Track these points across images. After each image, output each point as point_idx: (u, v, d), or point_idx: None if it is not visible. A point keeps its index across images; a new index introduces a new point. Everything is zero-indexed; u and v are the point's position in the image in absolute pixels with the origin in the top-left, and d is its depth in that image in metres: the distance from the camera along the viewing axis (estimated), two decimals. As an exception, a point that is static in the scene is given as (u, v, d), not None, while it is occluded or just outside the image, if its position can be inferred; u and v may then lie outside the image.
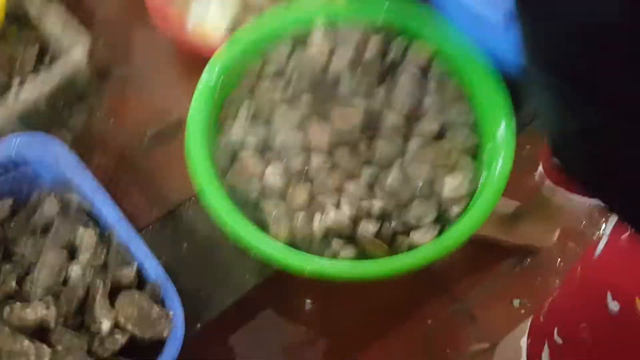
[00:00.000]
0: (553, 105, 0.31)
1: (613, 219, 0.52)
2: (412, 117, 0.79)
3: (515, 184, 0.87)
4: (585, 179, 0.35)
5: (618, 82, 0.26)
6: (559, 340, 0.59)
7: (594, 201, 0.77)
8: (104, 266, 0.71)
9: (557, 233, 0.99)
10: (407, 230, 0.73)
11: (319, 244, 0.73)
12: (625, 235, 0.48)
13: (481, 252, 1.02)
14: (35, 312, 0.63)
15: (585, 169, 0.34)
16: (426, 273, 1.05)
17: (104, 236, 0.74)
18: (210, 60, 0.81)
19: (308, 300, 0.97)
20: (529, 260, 1.03)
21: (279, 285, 0.95)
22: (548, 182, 0.77)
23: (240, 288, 0.84)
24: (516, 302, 0.99)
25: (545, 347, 0.62)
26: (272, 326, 0.97)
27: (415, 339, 0.96)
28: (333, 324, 0.98)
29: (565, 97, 0.29)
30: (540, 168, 0.77)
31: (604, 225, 0.51)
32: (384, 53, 0.82)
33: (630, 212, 0.35)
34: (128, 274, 0.67)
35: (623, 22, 0.24)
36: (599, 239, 0.53)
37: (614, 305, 0.49)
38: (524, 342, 0.68)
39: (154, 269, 0.68)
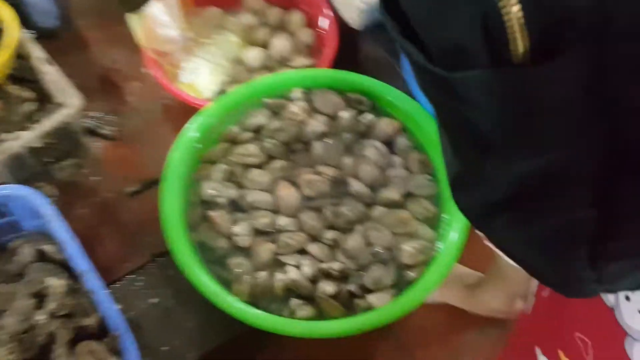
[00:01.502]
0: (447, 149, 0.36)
1: None
2: (376, 186, 0.83)
3: (479, 255, 0.91)
4: (471, 216, 0.40)
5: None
6: None
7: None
8: (69, 315, 0.74)
9: (520, 304, 1.00)
10: (364, 293, 0.75)
11: (279, 303, 0.76)
12: (546, 292, 0.51)
13: (449, 320, 1.04)
14: (-2, 357, 0.65)
15: (470, 205, 0.38)
16: (393, 337, 1.07)
17: (73, 286, 0.77)
18: (191, 120, 0.87)
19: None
20: (494, 330, 1.04)
21: (246, 344, 0.96)
22: (486, 242, 0.79)
23: (204, 346, 0.85)
24: (478, 372, 0.99)
25: None
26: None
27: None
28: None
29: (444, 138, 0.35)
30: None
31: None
32: (353, 126, 0.88)
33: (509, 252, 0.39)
34: (90, 324, 0.69)
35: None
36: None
37: None
38: None
39: (115, 321, 0.70)
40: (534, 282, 0.95)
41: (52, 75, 0.98)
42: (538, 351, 0.52)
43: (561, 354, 0.49)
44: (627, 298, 0.42)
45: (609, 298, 0.43)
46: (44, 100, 1.00)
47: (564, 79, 0.26)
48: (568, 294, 0.39)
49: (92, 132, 1.06)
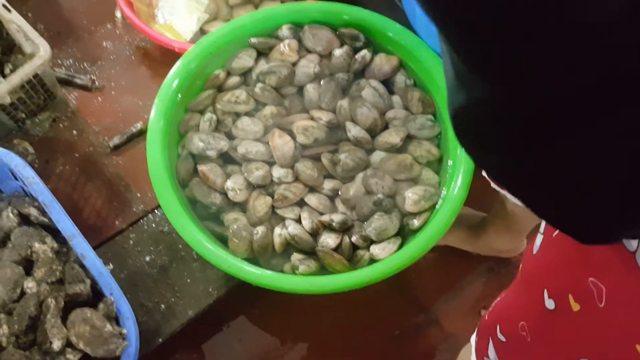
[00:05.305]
0: (449, 77, 0.31)
1: None
2: (375, 130, 0.78)
3: (481, 196, 0.87)
4: (478, 159, 0.35)
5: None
6: (502, 338, 0.58)
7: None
8: (60, 282, 0.70)
9: (524, 242, 0.99)
10: (368, 244, 0.72)
11: (279, 258, 0.73)
12: (556, 232, 0.48)
13: (451, 262, 1.03)
14: (-14, 331, 0.62)
15: (475, 148, 0.34)
16: (395, 281, 1.05)
17: (61, 251, 0.73)
18: (174, 66, 0.80)
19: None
20: (496, 270, 1.03)
21: (247, 295, 0.94)
22: (493, 185, 0.76)
23: (203, 300, 0.83)
24: (483, 312, 0.98)
25: (490, 345, 0.61)
26: (241, 337, 0.96)
27: (382, 350, 0.95)
28: (301, 334, 0.97)
29: (456, 69, 0.30)
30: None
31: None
32: (348, 64, 0.82)
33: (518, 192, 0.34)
34: (81, 290, 0.66)
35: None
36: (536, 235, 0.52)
37: (550, 303, 0.49)
38: (473, 339, 0.68)
39: (108, 286, 0.66)
40: (536, 221, 0.93)
41: (16, 24, 0.89)
42: (545, 293, 0.49)
43: (571, 298, 0.46)
44: None
45: (631, 242, 0.39)
46: (11, 52, 0.92)
47: None
48: (586, 241, 0.34)
49: (66, 82, 0.98)
